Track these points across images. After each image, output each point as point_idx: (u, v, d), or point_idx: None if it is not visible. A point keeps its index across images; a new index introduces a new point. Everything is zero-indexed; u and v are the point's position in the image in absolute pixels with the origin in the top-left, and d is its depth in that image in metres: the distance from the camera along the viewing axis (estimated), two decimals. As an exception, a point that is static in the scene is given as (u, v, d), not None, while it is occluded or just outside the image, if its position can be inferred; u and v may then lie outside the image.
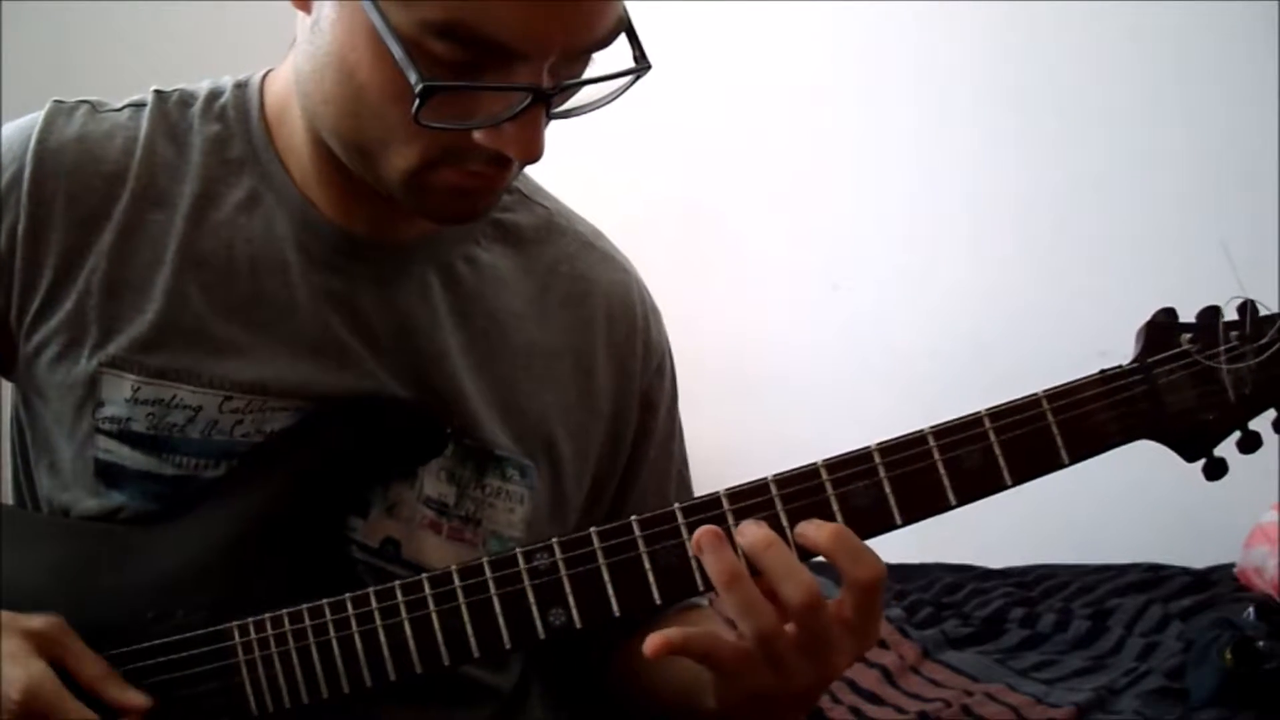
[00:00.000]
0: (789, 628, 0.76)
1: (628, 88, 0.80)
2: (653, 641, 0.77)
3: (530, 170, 1.02)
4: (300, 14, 0.83)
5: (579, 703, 1.06)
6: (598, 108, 0.81)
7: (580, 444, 0.98)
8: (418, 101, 0.74)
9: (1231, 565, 2.28)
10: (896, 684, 1.90)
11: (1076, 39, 2.63)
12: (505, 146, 0.77)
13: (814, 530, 0.78)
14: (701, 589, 0.79)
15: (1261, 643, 1.74)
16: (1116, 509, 2.46)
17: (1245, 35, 2.47)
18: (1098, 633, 2.08)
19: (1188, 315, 0.82)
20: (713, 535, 0.78)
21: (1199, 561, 2.36)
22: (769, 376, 2.92)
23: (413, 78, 0.74)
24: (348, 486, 0.90)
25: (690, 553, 0.79)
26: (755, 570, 0.77)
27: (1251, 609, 1.95)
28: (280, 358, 0.89)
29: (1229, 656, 1.72)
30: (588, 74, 0.80)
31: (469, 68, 0.75)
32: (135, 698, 0.81)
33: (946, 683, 1.91)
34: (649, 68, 0.79)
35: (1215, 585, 2.25)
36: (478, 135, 0.77)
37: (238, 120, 0.93)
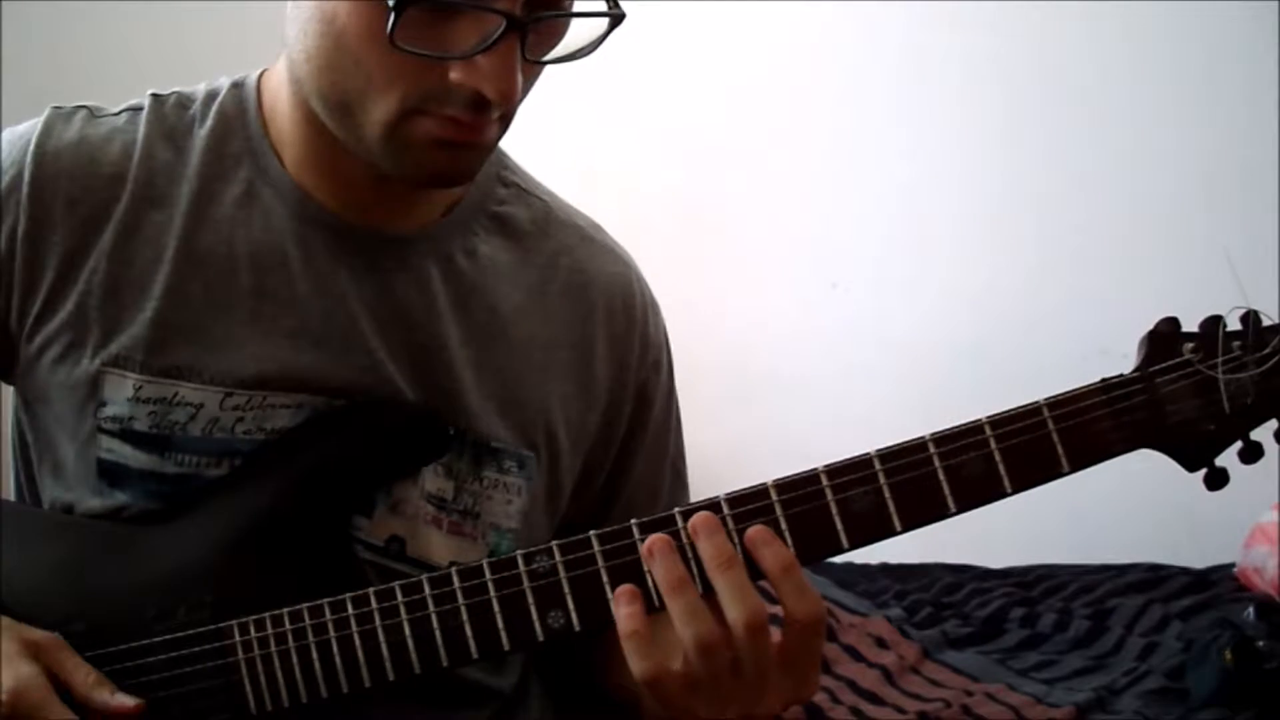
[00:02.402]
0: (730, 653, 0.77)
1: (603, 39, 0.81)
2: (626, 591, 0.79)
3: (529, 166, 1.03)
4: None
5: (579, 704, 1.06)
6: (576, 58, 0.82)
7: (576, 434, 0.99)
8: (392, 17, 0.75)
9: (1231, 565, 2.28)
10: (896, 684, 1.89)
11: (1077, 39, 2.63)
12: (480, 82, 0.78)
13: (768, 548, 0.79)
14: (699, 593, 0.79)
15: (1261, 643, 1.74)
16: (1116, 509, 2.46)
17: (1245, 35, 2.47)
18: (1098, 633, 2.08)
19: (1189, 318, 0.82)
20: (663, 543, 0.79)
21: (1199, 561, 2.35)
22: (767, 374, 2.92)
23: None
24: (352, 487, 0.90)
25: (688, 558, 0.79)
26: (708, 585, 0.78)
27: (1251, 609, 1.94)
28: (281, 351, 0.90)
29: (1229, 656, 1.72)
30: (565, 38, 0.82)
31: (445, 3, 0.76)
32: (125, 701, 0.82)
33: (946, 683, 1.91)
34: (623, 15, 0.80)
35: (1215, 585, 2.25)
36: (454, 75, 0.78)
37: (234, 116, 0.94)
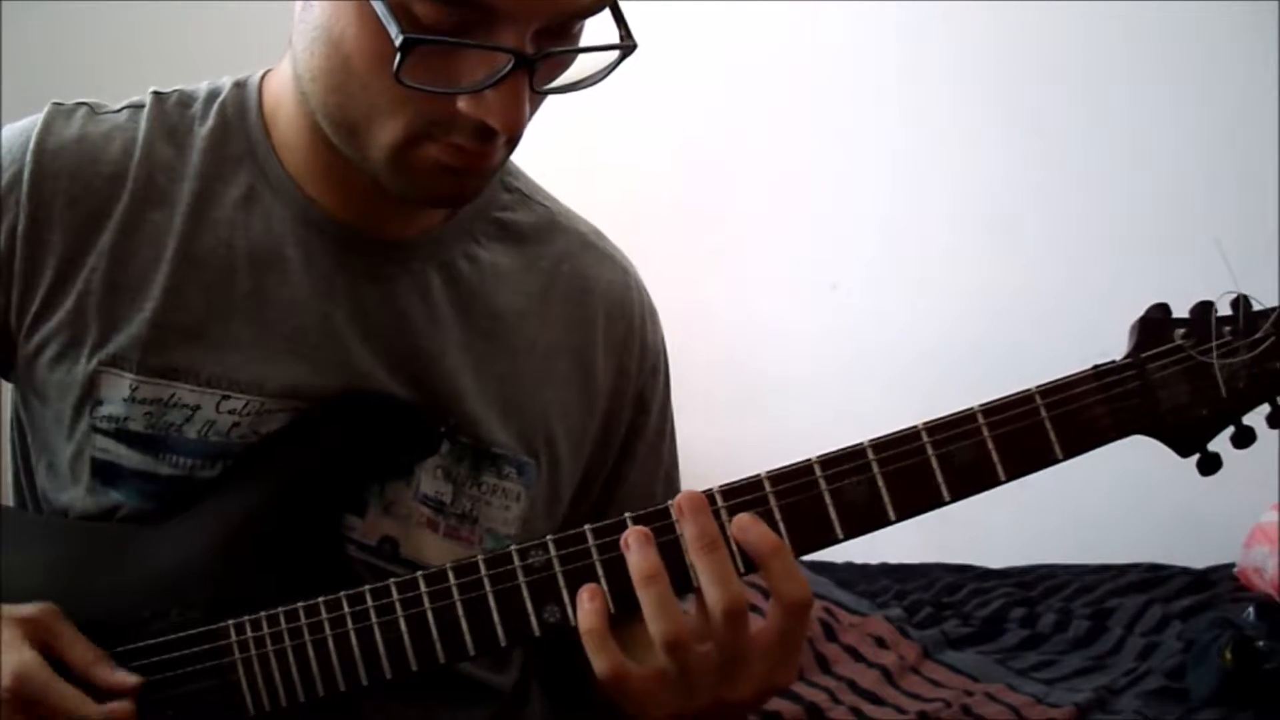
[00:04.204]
0: (703, 647, 0.77)
1: (614, 67, 0.80)
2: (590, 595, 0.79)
3: (528, 168, 1.02)
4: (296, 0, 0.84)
5: (579, 702, 1.05)
6: (585, 86, 0.80)
7: (576, 441, 0.99)
8: (399, 56, 0.74)
9: (1231, 565, 2.28)
10: (896, 684, 1.89)
11: (1077, 38, 2.63)
12: (487, 115, 0.77)
13: (755, 530, 0.78)
14: (695, 586, 0.79)
15: (1261, 643, 1.74)
16: (1116, 509, 2.46)
17: (1245, 35, 2.47)
18: (1098, 633, 2.08)
19: (1185, 312, 0.82)
20: (640, 535, 0.79)
21: (1199, 561, 2.36)
22: (766, 375, 2.92)
23: (393, 31, 0.74)
24: (342, 485, 0.90)
25: (683, 550, 0.79)
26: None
27: (1251, 609, 1.95)
28: (279, 355, 0.89)
29: (1229, 656, 1.72)
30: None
31: (452, 33, 0.75)
32: (125, 678, 0.81)
33: (946, 683, 1.91)
34: (635, 46, 0.79)
35: (1215, 585, 2.25)
36: (461, 104, 0.77)
37: (236, 117, 0.93)
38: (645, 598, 0.77)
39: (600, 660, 0.78)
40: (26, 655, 0.79)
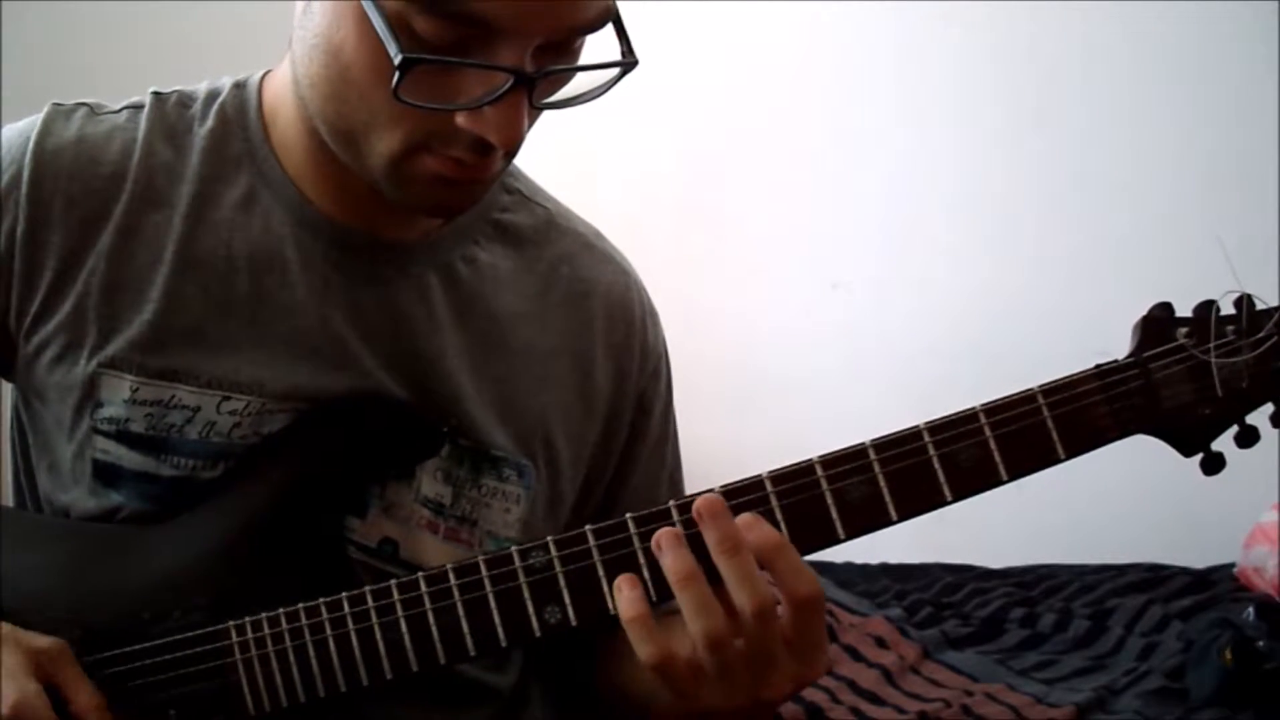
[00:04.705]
0: (738, 642, 0.77)
1: (615, 82, 0.80)
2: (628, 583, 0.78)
3: (528, 169, 1.02)
4: (297, 1, 0.83)
5: (579, 703, 1.05)
6: (584, 101, 0.80)
7: (576, 444, 0.99)
8: (398, 75, 0.74)
9: (1231, 565, 2.28)
10: (896, 684, 1.89)
11: (1077, 38, 2.63)
12: (485, 130, 0.77)
13: (758, 530, 0.78)
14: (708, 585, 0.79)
15: (1261, 643, 1.74)
16: (1116, 509, 2.46)
17: (1245, 35, 2.47)
18: (1098, 633, 2.08)
19: (1187, 311, 0.82)
20: (672, 536, 0.79)
21: (1199, 561, 2.35)
22: (767, 375, 2.92)
23: (392, 49, 0.74)
24: (343, 486, 0.90)
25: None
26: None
27: (1251, 609, 1.94)
28: (278, 357, 0.89)
29: (1229, 656, 1.72)
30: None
31: (452, 49, 0.75)
32: None
33: (946, 683, 1.90)
34: (635, 63, 0.79)
35: (1215, 585, 2.25)
36: (460, 121, 0.77)
37: (236, 118, 0.93)
38: (684, 598, 0.77)
39: (646, 647, 0.77)
40: (30, 688, 0.78)
